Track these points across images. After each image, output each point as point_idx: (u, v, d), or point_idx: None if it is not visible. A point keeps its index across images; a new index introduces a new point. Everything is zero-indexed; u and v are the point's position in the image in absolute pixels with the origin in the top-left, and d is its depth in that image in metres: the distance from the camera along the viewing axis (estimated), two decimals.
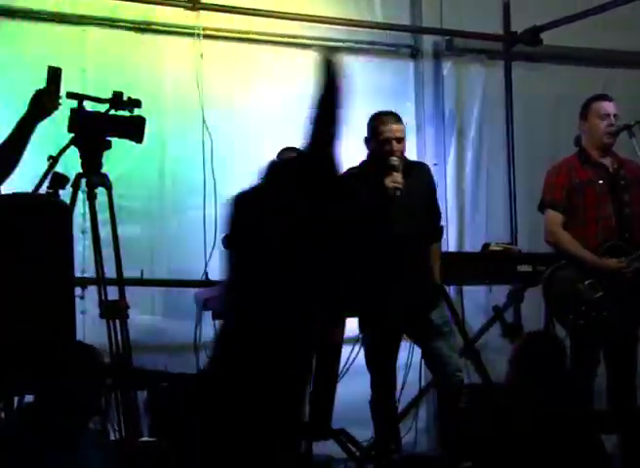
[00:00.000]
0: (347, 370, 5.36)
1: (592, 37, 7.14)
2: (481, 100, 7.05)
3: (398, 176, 5.00)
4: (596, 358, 5.30)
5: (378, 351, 5.11)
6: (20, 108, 4.40)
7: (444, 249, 6.63)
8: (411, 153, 6.84)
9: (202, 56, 6.24)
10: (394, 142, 5.10)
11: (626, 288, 5.20)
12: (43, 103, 4.33)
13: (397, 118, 5.20)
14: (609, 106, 5.38)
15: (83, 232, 5.56)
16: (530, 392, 3.80)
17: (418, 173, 5.22)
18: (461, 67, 7.05)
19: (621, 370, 5.30)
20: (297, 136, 6.07)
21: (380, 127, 5.13)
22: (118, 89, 4.84)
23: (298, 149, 5.63)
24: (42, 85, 4.38)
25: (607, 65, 7.28)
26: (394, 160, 5.05)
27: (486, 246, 6.13)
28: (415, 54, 6.99)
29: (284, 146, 5.74)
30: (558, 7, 6.90)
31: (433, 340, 5.07)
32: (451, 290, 6.26)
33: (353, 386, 5.57)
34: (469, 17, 6.96)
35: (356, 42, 6.77)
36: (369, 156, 5.21)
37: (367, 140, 5.20)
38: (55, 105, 4.37)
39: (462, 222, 6.99)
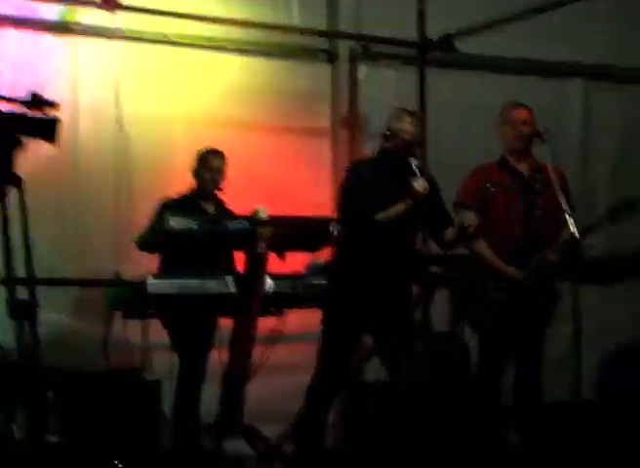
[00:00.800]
0: (259, 369, 5.38)
1: (505, 46, 7.28)
2: (395, 105, 7.09)
3: (425, 182, 5.03)
4: (504, 357, 5.42)
5: (343, 346, 5.16)
6: None
7: None
8: (326, 155, 6.99)
9: (119, 56, 6.24)
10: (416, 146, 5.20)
11: (530, 292, 5.33)
12: None
13: (421, 119, 5.31)
14: (521, 114, 5.52)
15: None
16: (433, 389, 3.88)
17: (428, 177, 5.23)
18: (377, 72, 7.14)
19: (528, 368, 5.43)
20: (214, 137, 6.21)
21: (406, 126, 5.17)
22: (31, 90, 4.82)
23: (218, 151, 5.74)
24: None
25: (519, 74, 7.42)
26: (415, 162, 5.09)
27: None
28: (331, 58, 7.08)
29: (204, 148, 5.81)
30: (473, 15, 6.99)
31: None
32: None
33: (265, 384, 5.65)
34: (386, 22, 7.03)
35: (273, 45, 6.85)
36: (384, 151, 5.24)
37: (386, 136, 5.23)
38: None
39: None
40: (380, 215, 4.96)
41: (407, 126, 5.13)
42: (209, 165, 5.73)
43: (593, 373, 6.60)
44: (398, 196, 5.00)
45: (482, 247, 5.38)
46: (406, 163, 5.04)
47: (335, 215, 5.39)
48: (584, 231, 5.34)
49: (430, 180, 5.18)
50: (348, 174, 5.22)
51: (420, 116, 5.29)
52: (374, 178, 5.06)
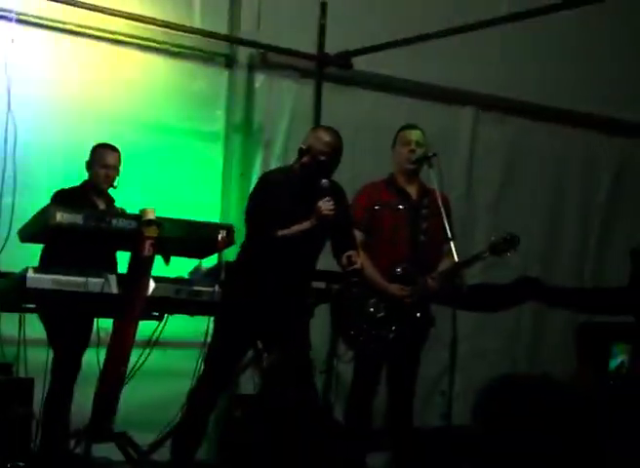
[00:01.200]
0: (134, 373, 5.29)
1: (402, 68, 7.39)
2: (290, 116, 7.15)
3: (332, 203, 4.92)
4: (377, 377, 5.47)
5: (232, 351, 5.10)
6: None
7: None
8: (217, 161, 6.95)
9: (13, 40, 6.06)
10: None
11: (407, 312, 5.40)
12: None
13: (340, 140, 5.07)
14: (412, 134, 5.59)
15: None
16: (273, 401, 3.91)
17: (337, 189, 5.14)
18: (274, 82, 7.13)
19: (401, 390, 5.49)
20: (105, 131, 6.10)
21: (323, 147, 4.99)
22: None
23: (113, 146, 5.64)
24: None
25: (412, 96, 7.53)
26: (326, 184, 4.97)
27: None
28: (230, 63, 7.04)
29: (94, 141, 5.70)
30: (373, 35, 7.08)
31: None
32: None
33: (139, 390, 5.56)
34: (286, 33, 7.04)
35: (173, 45, 6.77)
36: (300, 165, 5.09)
37: (302, 151, 5.05)
38: None
39: None
40: (282, 233, 4.92)
41: (324, 147, 4.99)
42: (102, 160, 5.61)
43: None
44: (303, 214, 4.95)
45: (366, 264, 5.40)
46: (317, 183, 4.98)
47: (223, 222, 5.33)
48: (467, 261, 5.44)
49: (340, 199, 5.13)
50: (258, 183, 5.15)
51: (339, 136, 5.06)
52: (283, 192, 5.00)
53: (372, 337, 5.36)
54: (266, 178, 5.16)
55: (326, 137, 5.02)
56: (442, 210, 5.33)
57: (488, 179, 7.87)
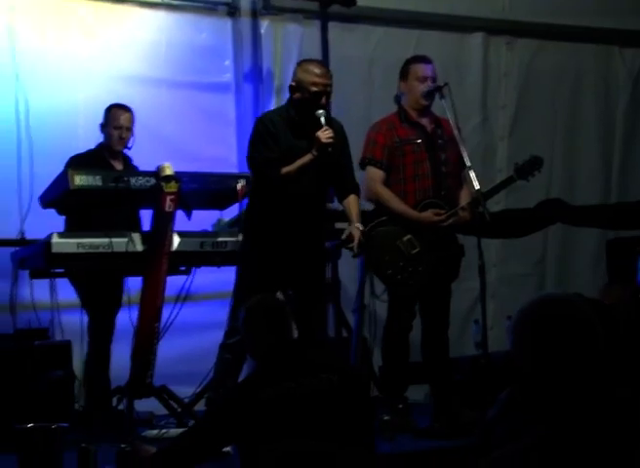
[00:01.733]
0: (168, 328, 5.34)
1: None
2: (298, 60, 7.07)
3: (330, 131, 4.90)
4: (412, 311, 5.48)
5: None
6: None
7: None
8: (230, 111, 6.93)
9: (14, 8, 6.06)
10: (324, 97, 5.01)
11: (441, 243, 5.39)
12: None
13: (328, 70, 5.11)
14: (427, 69, 5.49)
15: None
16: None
17: (336, 127, 5.11)
18: (279, 26, 7.08)
19: (435, 322, 5.50)
20: (116, 92, 6.09)
21: (313, 78, 4.99)
22: None
23: (125, 107, 5.63)
24: None
25: (418, 27, 7.46)
26: (322, 114, 4.95)
27: None
28: (232, 12, 6.97)
29: (105, 103, 5.69)
30: None
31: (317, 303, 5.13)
32: None
33: (174, 344, 5.62)
34: None
35: None
36: (293, 103, 5.07)
37: (293, 88, 5.05)
38: None
39: None
40: (286, 169, 4.92)
41: (313, 77, 4.97)
42: (115, 121, 5.61)
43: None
44: (305, 150, 4.93)
45: (393, 199, 5.37)
46: (313, 115, 4.97)
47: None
48: (494, 188, 5.41)
49: (340, 133, 5.11)
50: (255, 126, 5.13)
51: (327, 66, 5.11)
52: (280, 131, 4.97)
53: (410, 274, 5.34)
54: (262, 121, 5.13)
55: (314, 69, 5.01)
56: (458, 138, 5.29)
57: (503, 105, 7.80)
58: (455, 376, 5.63)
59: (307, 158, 4.90)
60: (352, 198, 5.18)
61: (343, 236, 5.07)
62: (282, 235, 4.99)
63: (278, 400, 3.46)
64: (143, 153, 5.83)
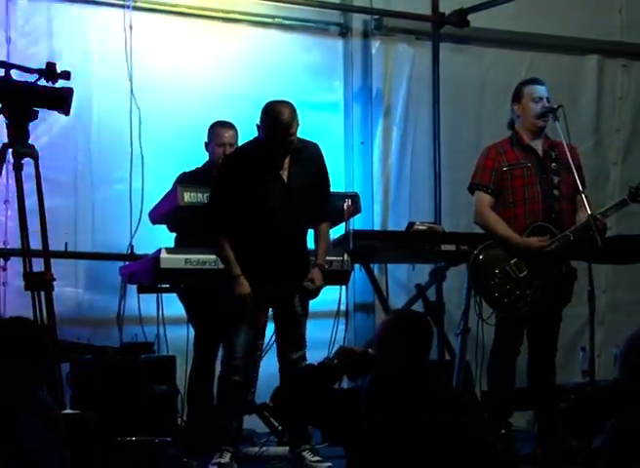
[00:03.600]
0: (271, 346, 5.35)
1: (518, 20, 7.24)
2: (408, 80, 7.11)
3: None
4: (520, 336, 5.39)
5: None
6: None
7: (369, 227, 6.74)
8: (338, 131, 6.95)
9: (131, 27, 6.19)
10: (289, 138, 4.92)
11: (549, 268, 5.30)
12: None
13: (292, 113, 4.95)
14: (541, 90, 5.44)
15: (5, 202, 5.54)
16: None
17: (308, 156, 5.04)
18: (390, 47, 7.09)
19: (543, 348, 5.41)
20: (225, 108, 6.16)
21: (274, 124, 4.87)
22: (45, 59, 4.78)
23: (228, 123, 5.68)
24: None
25: (531, 49, 7.39)
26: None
27: (410, 225, 6.18)
28: (344, 32, 7.03)
29: (214, 120, 5.75)
30: None
31: (297, 325, 5.06)
32: (375, 268, 6.32)
33: (277, 362, 5.62)
34: None
35: (286, 18, 6.80)
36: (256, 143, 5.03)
37: (258, 128, 4.95)
38: None
39: (387, 201, 7.05)
40: (224, 251, 4.89)
41: (269, 129, 4.85)
42: (218, 138, 5.66)
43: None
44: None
45: (500, 224, 5.33)
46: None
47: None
48: (605, 211, 5.31)
49: (314, 159, 5.05)
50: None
51: (291, 110, 4.92)
52: (248, 166, 4.91)
53: (517, 297, 5.28)
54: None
55: (271, 117, 4.86)
56: (571, 162, 5.20)
57: (617, 129, 7.65)
58: (560, 404, 5.52)
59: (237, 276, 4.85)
60: (322, 228, 5.10)
61: (305, 282, 4.97)
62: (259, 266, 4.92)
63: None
64: None
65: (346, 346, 4.40)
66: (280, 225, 4.92)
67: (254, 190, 4.90)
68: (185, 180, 5.52)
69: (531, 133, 5.43)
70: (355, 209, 5.65)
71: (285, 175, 4.96)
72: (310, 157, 5.06)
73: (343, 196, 5.60)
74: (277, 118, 4.84)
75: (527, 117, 5.42)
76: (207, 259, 5.21)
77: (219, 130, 5.67)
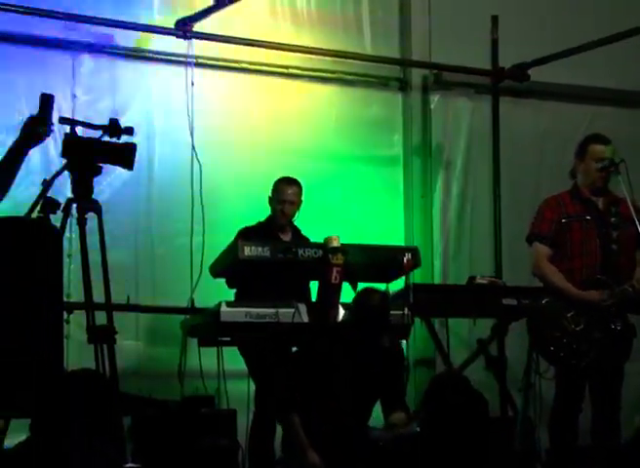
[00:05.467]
0: None
1: (578, 74, 7.23)
2: (468, 134, 7.12)
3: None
4: (581, 392, 5.31)
5: None
6: (11, 134, 4.41)
7: (429, 281, 6.71)
8: (398, 185, 6.96)
9: (193, 83, 6.27)
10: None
11: (607, 323, 5.23)
12: (35, 130, 4.33)
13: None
14: (607, 151, 5.38)
15: (69, 256, 5.59)
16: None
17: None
18: (449, 101, 7.13)
19: (605, 404, 5.32)
20: (286, 164, 6.21)
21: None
22: (108, 115, 4.86)
23: (291, 180, 5.73)
24: (34, 111, 4.39)
25: (593, 102, 7.37)
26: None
27: (471, 279, 6.14)
28: (403, 86, 7.09)
29: (274, 175, 5.80)
30: (546, 43, 6.99)
31: None
32: (435, 322, 6.28)
33: None
34: (458, 51, 7.04)
35: (346, 73, 6.87)
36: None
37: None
38: (46, 132, 4.38)
39: (447, 255, 7.03)
40: None
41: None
42: (279, 195, 5.70)
43: None
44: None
45: (557, 276, 5.29)
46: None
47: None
48: None
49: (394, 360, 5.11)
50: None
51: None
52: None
53: (573, 352, 5.21)
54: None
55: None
56: (634, 217, 5.15)
57: None
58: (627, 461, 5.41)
59: None
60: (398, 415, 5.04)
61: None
62: None
63: None
64: (312, 225, 5.89)
65: None
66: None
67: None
68: (247, 235, 5.55)
69: (591, 189, 5.40)
70: (415, 262, 5.62)
71: None
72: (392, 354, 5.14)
73: (403, 250, 5.59)
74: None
75: (588, 176, 5.39)
76: (266, 313, 5.22)
77: (281, 186, 5.72)
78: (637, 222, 5.16)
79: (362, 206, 6.69)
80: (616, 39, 6.52)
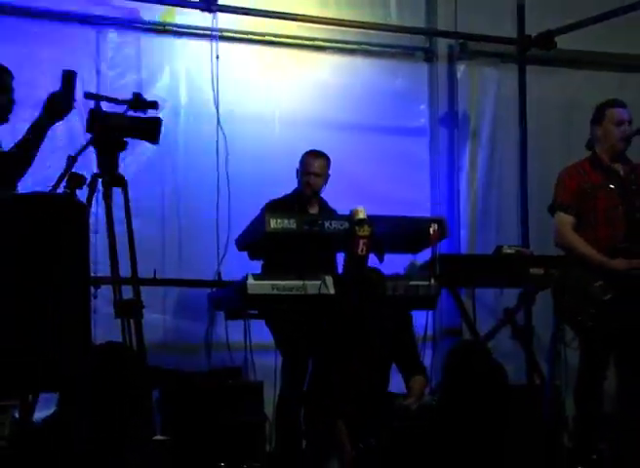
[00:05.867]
0: None
1: (606, 41, 7.15)
2: (495, 103, 7.08)
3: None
4: (606, 361, 5.29)
5: None
6: (35, 109, 4.44)
7: (455, 251, 6.70)
8: (424, 155, 6.94)
9: (218, 57, 6.27)
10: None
11: (636, 289, 5.20)
12: (57, 106, 4.36)
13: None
14: (624, 113, 5.35)
15: (95, 232, 5.63)
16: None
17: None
18: (475, 70, 7.09)
19: (630, 373, 5.30)
20: (312, 137, 6.21)
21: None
22: (132, 90, 4.88)
23: (318, 153, 5.73)
24: (56, 87, 4.41)
25: (620, 69, 7.30)
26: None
27: (498, 248, 6.13)
28: (429, 57, 7.05)
29: (300, 148, 5.80)
30: (572, 10, 6.91)
31: None
32: (462, 292, 6.28)
33: None
34: (483, 20, 6.99)
35: (371, 45, 6.85)
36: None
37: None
38: (68, 108, 4.41)
39: (474, 224, 7.01)
40: None
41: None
42: (306, 168, 5.70)
43: None
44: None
45: (582, 245, 5.25)
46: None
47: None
48: None
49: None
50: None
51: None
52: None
53: (601, 322, 5.19)
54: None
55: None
56: None
57: None
58: None
59: None
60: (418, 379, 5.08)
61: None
62: None
63: None
64: (338, 197, 5.89)
65: None
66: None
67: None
68: (273, 207, 5.56)
69: (611, 155, 5.36)
70: (442, 233, 5.61)
71: None
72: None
73: (430, 220, 5.58)
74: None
75: (608, 140, 5.33)
76: (293, 285, 5.23)
77: (308, 159, 5.72)
78: None
79: (388, 177, 6.67)
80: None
